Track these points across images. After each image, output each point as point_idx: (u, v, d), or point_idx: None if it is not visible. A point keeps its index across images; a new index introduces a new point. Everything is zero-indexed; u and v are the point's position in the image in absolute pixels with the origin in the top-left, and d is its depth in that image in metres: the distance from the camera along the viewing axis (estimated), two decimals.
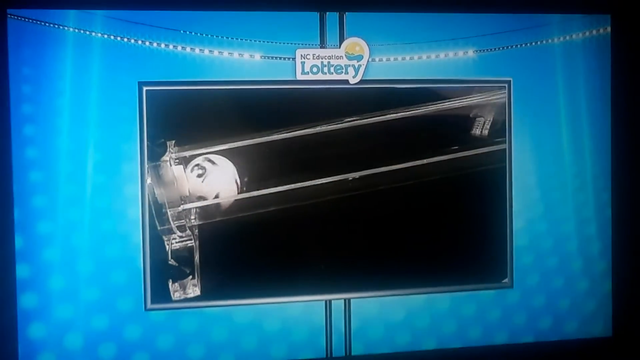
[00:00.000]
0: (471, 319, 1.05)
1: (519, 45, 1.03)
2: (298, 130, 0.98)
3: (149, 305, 0.96)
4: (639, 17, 1.06)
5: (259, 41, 0.97)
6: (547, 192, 1.05)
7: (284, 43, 0.97)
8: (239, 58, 0.96)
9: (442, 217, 1.03)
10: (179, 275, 0.97)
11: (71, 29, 0.92)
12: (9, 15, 0.91)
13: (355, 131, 0.99)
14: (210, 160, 0.97)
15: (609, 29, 1.05)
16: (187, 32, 0.95)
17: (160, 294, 0.96)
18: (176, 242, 0.96)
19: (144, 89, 0.94)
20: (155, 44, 0.94)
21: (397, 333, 1.03)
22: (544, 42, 1.03)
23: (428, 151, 1.01)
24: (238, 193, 0.97)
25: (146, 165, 0.95)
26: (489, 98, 1.03)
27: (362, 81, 0.99)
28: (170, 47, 0.95)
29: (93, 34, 0.93)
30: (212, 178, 0.97)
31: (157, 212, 0.95)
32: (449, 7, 1.01)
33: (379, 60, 0.99)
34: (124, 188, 0.95)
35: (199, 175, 0.97)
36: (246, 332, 0.99)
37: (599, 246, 1.07)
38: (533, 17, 1.03)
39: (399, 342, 1.03)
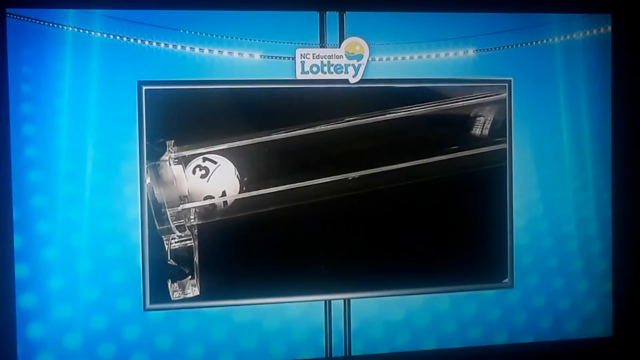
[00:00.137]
0: (471, 319, 1.04)
1: (519, 45, 1.03)
2: (298, 129, 0.98)
3: (148, 305, 0.96)
4: (639, 17, 1.05)
5: (259, 40, 0.96)
6: (548, 192, 1.05)
7: (283, 42, 0.97)
8: (239, 57, 0.96)
9: (442, 217, 1.03)
10: (178, 275, 0.97)
11: (70, 28, 0.92)
12: (8, 15, 0.91)
13: (355, 131, 0.99)
14: (210, 160, 0.97)
15: (609, 28, 1.05)
16: (187, 32, 0.95)
17: (160, 294, 0.96)
18: (175, 242, 0.96)
19: (144, 88, 0.94)
20: (154, 44, 0.94)
21: (397, 333, 1.03)
22: (545, 41, 1.03)
23: (428, 151, 1.01)
24: (239, 192, 0.97)
25: (145, 165, 0.95)
26: (489, 98, 1.03)
27: (362, 80, 0.99)
28: (170, 46, 0.95)
29: (92, 33, 0.93)
30: (213, 178, 0.97)
31: (156, 212, 0.95)
32: (449, 6, 1.00)
33: (379, 60, 0.99)
34: (123, 188, 0.94)
35: (202, 176, 0.96)
36: (246, 332, 0.99)
37: (599, 246, 1.07)
38: (533, 17, 1.03)
39: (398, 342, 1.03)
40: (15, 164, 0.92)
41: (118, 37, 0.93)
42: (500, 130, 1.03)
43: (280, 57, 0.97)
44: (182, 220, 0.96)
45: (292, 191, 0.98)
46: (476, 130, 1.03)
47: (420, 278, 1.03)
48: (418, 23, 1.00)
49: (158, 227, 0.95)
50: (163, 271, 0.96)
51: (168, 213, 0.95)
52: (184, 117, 0.95)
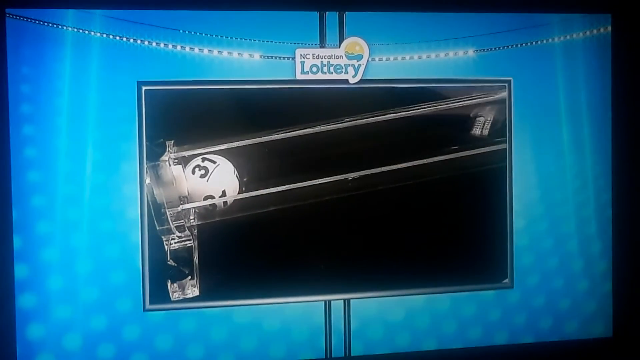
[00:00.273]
0: (471, 319, 1.04)
1: (519, 45, 1.02)
2: (297, 130, 0.98)
3: (148, 306, 0.96)
4: (639, 17, 1.05)
5: (259, 41, 0.96)
6: (548, 192, 1.05)
7: (283, 42, 0.97)
8: (239, 57, 0.96)
9: (442, 217, 1.03)
10: (178, 276, 0.97)
11: (70, 29, 0.92)
12: (7, 15, 0.91)
13: (355, 131, 0.99)
14: (209, 160, 0.97)
15: (609, 28, 1.05)
16: (186, 32, 0.95)
17: (159, 294, 0.96)
18: (175, 243, 0.96)
19: (143, 88, 0.94)
20: (154, 44, 0.94)
21: (397, 333, 1.03)
22: (545, 41, 1.03)
23: (428, 151, 1.01)
24: (239, 192, 0.97)
25: (145, 165, 0.95)
26: (489, 98, 1.02)
27: (361, 81, 0.99)
28: (170, 46, 0.94)
29: (92, 33, 0.93)
30: (212, 178, 0.97)
31: (156, 212, 0.95)
32: (449, 6, 1.00)
33: (379, 60, 0.99)
34: (123, 188, 0.94)
35: (202, 176, 0.96)
36: (245, 332, 0.99)
37: (599, 246, 1.07)
38: (533, 17, 1.03)
39: (398, 343, 1.03)
40: (15, 164, 0.92)
41: (118, 37, 0.93)
42: (500, 131, 1.03)
43: (280, 57, 0.97)
44: (182, 221, 0.96)
45: (292, 191, 0.98)
46: (476, 131, 1.03)
47: (420, 278, 1.03)
48: (418, 23, 1.00)
49: (158, 228, 0.95)
50: (163, 271, 0.96)
51: (168, 213, 0.95)
52: (184, 118, 0.95)
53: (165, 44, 0.94)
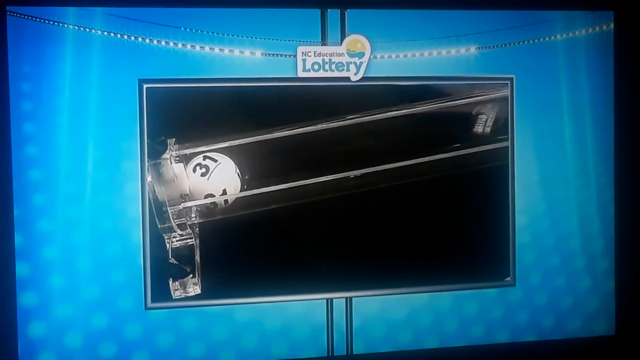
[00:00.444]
0: (473, 317, 1.04)
1: (521, 43, 1.02)
2: (299, 127, 0.98)
3: (149, 304, 0.96)
4: None
5: (260, 38, 0.96)
6: (550, 190, 1.05)
7: (285, 40, 0.97)
8: (240, 55, 0.96)
9: (444, 215, 1.02)
10: (180, 274, 0.96)
11: (71, 27, 0.92)
12: (8, 13, 0.91)
13: (357, 129, 0.99)
14: (210, 158, 0.96)
15: (612, 25, 1.05)
16: (188, 30, 0.95)
17: (161, 292, 0.96)
18: (176, 241, 0.96)
19: (144, 86, 0.94)
20: (155, 42, 0.94)
21: (398, 332, 1.02)
22: (547, 39, 1.03)
23: (430, 149, 1.01)
24: (240, 190, 0.97)
25: (146, 163, 0.95)
26: (492, 95, 1.02)
27: (363, 78, 0.99)
28: (171, 44, 0.94)
29: (93, 31, 0.92)
30: (213, 176, 0.97)
31: (157, 211, 0.95)
32: (451, 4, 1.00)
33: (381, 58, 0.99)
34: (124, 186, 0.94)
35: (203, 175, 0.96)
36: (247, 330, 0.99)
37: (601, 244, 1.07)
38: (535, 14, 1.03)
39: (400, 341, 1.03)
40: (16, 162, 0.92)
41: (119, 35, 0.93)
42: (502, 128, 1.03)
43: (281, 55, 0.97)
44: (183, 219, 0.96)
45: (294, 189, 0.98)
46: (478, 128, 1.03)
47: (422, 276, 1.02)
48: (420, 20, 0.99)
49: (159, 226, 0.95)
50: (164, 270, 0.96)
51: (169, 211, 0.95)
52: (185, 115, 0.95)
53: (166, 42, 0.94)
